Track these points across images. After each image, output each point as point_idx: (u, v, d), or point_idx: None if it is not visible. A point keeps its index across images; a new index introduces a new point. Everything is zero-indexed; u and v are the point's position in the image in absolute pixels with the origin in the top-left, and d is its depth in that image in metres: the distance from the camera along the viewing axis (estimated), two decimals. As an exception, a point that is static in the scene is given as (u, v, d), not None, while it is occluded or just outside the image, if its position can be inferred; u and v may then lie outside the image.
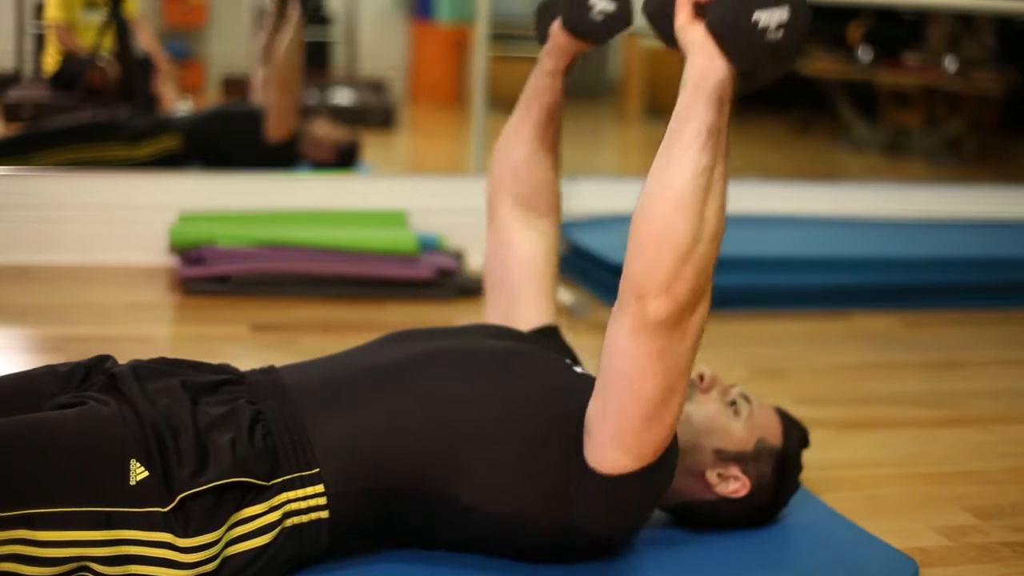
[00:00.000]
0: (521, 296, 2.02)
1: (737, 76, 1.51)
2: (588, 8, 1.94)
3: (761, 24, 1.44)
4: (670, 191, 1.49)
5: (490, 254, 2.10)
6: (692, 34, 1.52)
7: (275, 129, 4.16)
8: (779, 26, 1.45)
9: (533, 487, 1.61)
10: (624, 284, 1.53)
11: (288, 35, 4.12)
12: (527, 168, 2.05)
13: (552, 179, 2.07)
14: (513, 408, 1.66)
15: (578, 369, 1.79)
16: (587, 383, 1.65)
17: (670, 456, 1.65)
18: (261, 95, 4.38)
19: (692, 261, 1.49)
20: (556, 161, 2.08)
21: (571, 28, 1.96)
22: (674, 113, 1.51)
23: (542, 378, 1.72)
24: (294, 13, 4.13)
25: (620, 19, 1.97)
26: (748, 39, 1.46)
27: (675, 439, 1.66)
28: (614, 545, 1.75)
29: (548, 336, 1.97)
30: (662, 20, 1.57)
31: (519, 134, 2.05)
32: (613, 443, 1.60)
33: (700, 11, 1.53)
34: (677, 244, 1.48)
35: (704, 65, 1.49)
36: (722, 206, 1.51)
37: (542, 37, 2.02)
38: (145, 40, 4.59)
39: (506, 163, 2.06)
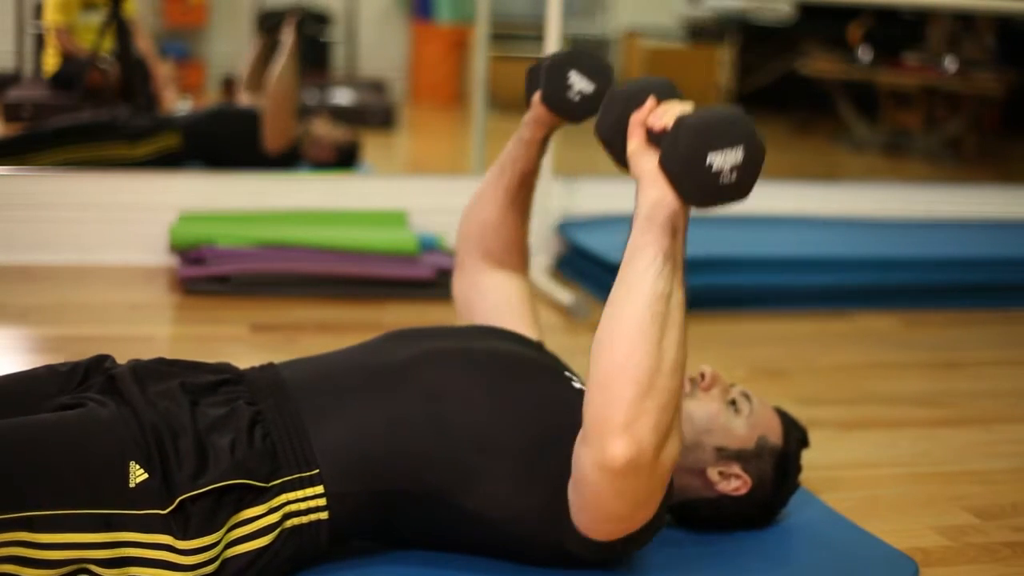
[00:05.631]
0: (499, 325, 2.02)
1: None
2: (567, 87, 1.95)
3: (715, 167, 1.41)
4: (627, 319, 1.45)
5: (460, 297, 2.12)
6: (645, 164, 1.48)
7: (271, 143, 4.16)
8: (733, 168, 1.41)
9: (531, 499, 1.61)
10: (585, 417, 1.49)
11: (282, 62, 4.11)
12: (497, 228, 2.06)
13: (522, 238, 2.10)
14: (514, 414, 1.66)
15: (576, 384, 1.77)
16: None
17: (660, 515, 1.64)
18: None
19: (653, 396, 1.44)
20: (526, 221, 2.10)
21: (549, 104, 1.97)
22: (628, 242, 1.47)
23: (543, 387, 1.72)
24: (288, 41, 4.11)
25: (598, 100, 1.95)
26: (702, 182, 1.42)
27: (670, 487, 1.63)
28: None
29: (540, 349, 1.97)
30: (615, 143, 1.54)
31: (491, 195, 2.06)
32: (592, 528, 1.58)
33: (652, 138, 1.50)
34: (636, 377, 1.44)
35: (657, 197, 1.45)
36: (681, 337, 1.47)
37: (528, 101, 2.03)
38: (141, 43, 4.59)
39: (475, 222, 2.09)
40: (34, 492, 1.47)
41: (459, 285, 2.12)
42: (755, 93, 7.71)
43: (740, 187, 1.43)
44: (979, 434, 2.69)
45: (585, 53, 1.99)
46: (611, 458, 1.45)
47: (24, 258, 3.59)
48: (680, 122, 1.44)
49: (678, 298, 1.47)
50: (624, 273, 1.48)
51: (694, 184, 1.43)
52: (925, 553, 2.00)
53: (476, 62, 4.43)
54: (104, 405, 1.60)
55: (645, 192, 1.47)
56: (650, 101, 1.53)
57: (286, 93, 4.13)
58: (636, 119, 1.52)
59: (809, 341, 3.38)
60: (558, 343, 2.06)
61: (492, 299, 2.07)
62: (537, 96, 1.98)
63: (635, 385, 1.44)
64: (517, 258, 2.09)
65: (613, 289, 1.49)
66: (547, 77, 1.95)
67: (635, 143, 1.52)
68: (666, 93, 1.55)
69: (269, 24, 4.56)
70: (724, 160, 1.41)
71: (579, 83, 1.95)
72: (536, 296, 2.16)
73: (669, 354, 1.45)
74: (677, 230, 1.46)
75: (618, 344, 1.45)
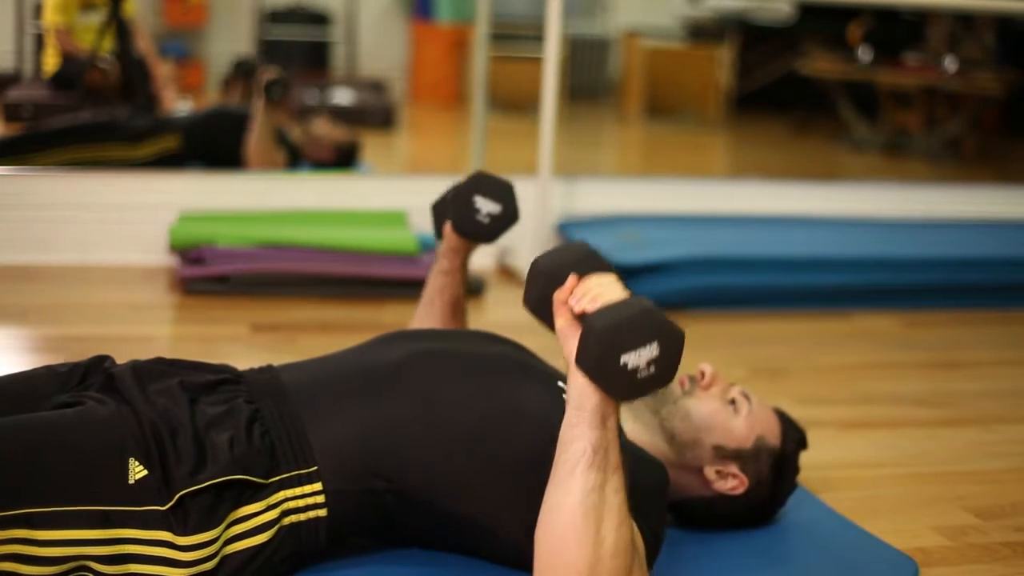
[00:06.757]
0: None
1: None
2: (474, 212, 2.04)
3: (630, 366, 1.40)
4: (561, 516, 1.45)
5: None
6: (571, 347, 1.47)
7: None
8: (650, 363, 1.41)
9: (525, 505, 1.61)
10: None
11: (257, 123, 4.12)
12: None
13: None
14: (507, 421, 1.66)
15: (565, 396, 1.77)
16: None
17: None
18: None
19: None
20: None
21: (460, 231, 2.06)
22: (560, 432, 1.48)
23: (536, 397, 1.72)
24: (259, 103, 4.13)
25: (506, 218, 2.06)
26: (619, 382, 1.41)
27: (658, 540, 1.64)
28: None
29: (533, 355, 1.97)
30: (545, 318, 1.54)
31: (426, 327, 2.11)
32: None
33: (577, 318, 1.49)
34: (576, 570, 1.44)
35: (582, 387, 1.45)
36: (621, 519, 1.47)
37: (439, 234, 2.13)
38: (141, 43, 4.59)
39: None
40: (33, 489, 1.48)
41: None
42: (755, 93, 7.72)
43: (661, 377, 1.43)
44: (979, 434, 2.70)
45: (485, 177, 2.06)
46: None
47: (24, 258, 3.59)
48: (589, 326, 1.42)
49: (613, 484, 1.46)
50: (557, 465, 1.48)
51: (611, 385, 1.43)
52: (925, 553, 2.01)
53: (476, 62, 4.43)
54: (103, 403, 1.60)
55: (573, 379, 1.47)
56: (570, 280, 1.51)
57: (264, 156, 4.15)
58: (558, 298, 1.51)
59: (809, 341, 3.39)
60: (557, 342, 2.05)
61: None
62: (448, 226, 2.07)
63: None
64: None
65: (550, 479, 1.49)
66: (454, 206, 2.05)
67: (561, 322, 1.51)
68: (586, 266, 1.53)
69: (243, 71, 4.61)
70: (639, 358, 1.40)
71: (485, 206, 2.04)
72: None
73: (608, 540, 1.45)
74: (606, 417, 1.45)
75: (556, 540, 1.46)
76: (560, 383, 1.80)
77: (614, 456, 1.47)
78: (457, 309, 2.14)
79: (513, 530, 1.63)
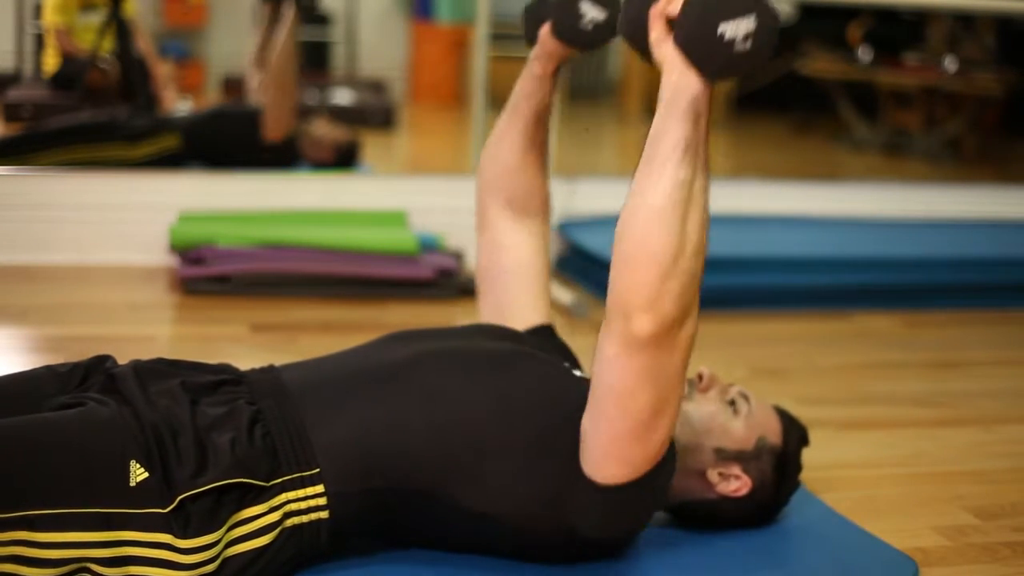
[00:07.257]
0: (514, 295, 2.01)
1: (722, 83, 1.50)
2: (579, 17, 1.95)
3: (727, 37, 1.43)
4: (649, 206, 1.47)
5: (482, 254, 2.10)
6: (665, 50, 1.51)
7: (272, 130, 4.15)
8: (747, 36, 1.44)
9: (533, 491, 1.61)
10: (609, 300, 1.52)
11: (283, 37, 4.11)
12: (517, 172, 2.05)
13: (541, 181, 2.08)
14: (513, 411, 1.66)
15: (577, 373, 1.78)
16: (586, 387, 1.64)
17: (666, 464, 1.65)
18: (257, 96, 4.38)
19: (675, 275, 1.47)
20: (544, 162, 2.08)
21: (561, 36, 1.97)
22: (651, 129, 1.50)
23: (542, 382, 1.72)
24: (288, 14, 4.12)
25: (610, 27, 1.96)
26: (716, 53, 1.45)
27: (672, 445, 1.66)
28: (614, 548, 1.76)
29: (544, 336, 1.98)
30: (637, 37, 1.57)
31: (508, 137, 2.04)
32: (606, 456, 1.59)
33: (672, 26, 1.53)
34: (659, 259, 1.47)
35: (677, 81, 1.48)
36: (704, 220, 1.50)
37: (530, 39, 2.03)
38: (141, 43, 4.59)
39: (496, 166, 2.07)
40: (35, 491, 1.48)
41: (481, 244, 2.10)
42: (755, 93, 7.71)
43: (756, 54, 1.45)
44: (978, 434, 2.69)
45: None
46: (636, 330, 1.49)
47: (24, 258, 3.59)
48: (688, 2, 1.47)
49: (701, 183, 1.49)
50: (645, 160, 1.50)
51: (708, 56, 1.46)
52: (925, 553, 2.01)
53: (476, 62, 4.42)
54: (104, 404, 1.60)
55: (666, 77, 1.50)
56: None
57: (286, 68, 4.12)
58: (655, 11, 1.54)
59: (809, 341, 3.38)
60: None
61: (512, 257, 2.05)
62: (547, 29, 1.97)
63: (657, 267, 1.47)
64: (539, 201, 2.08)
65: (635, 176, 1.51)
66: (558, 9, 1.96)
67: (656, 33, 1.54)
68: None
69: None
70: (736, 29, 1.43)
71: (591, 12, 1.94)
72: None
73: (692, 237, 1.48)
74: (699, 115, 1.48)
75: (640, 229, 1.48)
76: (566, 364, 1.80)
77: (703, 155, 1.49)
78: (543, 120, 2.04)
79: (519, 523, 1.63)
